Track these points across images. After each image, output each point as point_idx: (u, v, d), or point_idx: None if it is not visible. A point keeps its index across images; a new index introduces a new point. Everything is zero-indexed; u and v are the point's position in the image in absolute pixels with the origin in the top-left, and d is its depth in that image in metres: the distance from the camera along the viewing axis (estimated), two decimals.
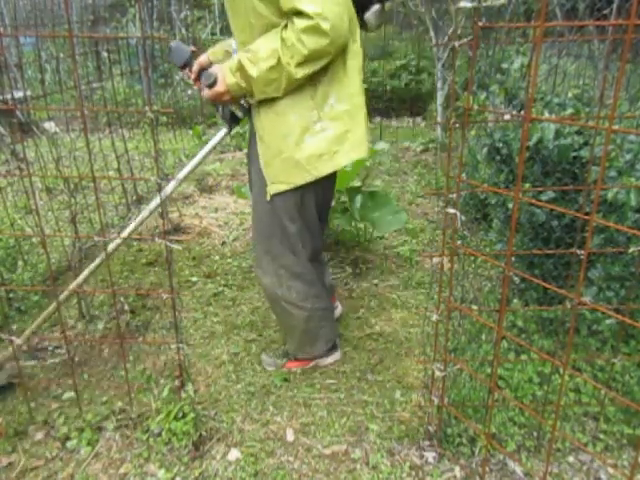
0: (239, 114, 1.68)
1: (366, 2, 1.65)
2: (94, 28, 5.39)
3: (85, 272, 1.86)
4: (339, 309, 2.30)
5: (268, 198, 1.67)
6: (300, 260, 1.79)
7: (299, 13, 1.37)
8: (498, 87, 2.17)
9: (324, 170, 1.60)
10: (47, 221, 3.06)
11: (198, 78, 1.63)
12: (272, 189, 1.65)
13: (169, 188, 1.83)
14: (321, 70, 1.49)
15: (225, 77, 1.52)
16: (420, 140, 4.78)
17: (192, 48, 1.66)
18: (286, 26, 1.43)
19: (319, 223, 1.83)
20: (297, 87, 1.51)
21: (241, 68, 1.49)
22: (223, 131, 1.77)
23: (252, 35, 1.51)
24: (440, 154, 4.34)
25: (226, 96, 1.56)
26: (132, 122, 4.30)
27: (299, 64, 1.43)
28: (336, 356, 2.05)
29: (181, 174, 1.84)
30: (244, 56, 1.48)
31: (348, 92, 1.56)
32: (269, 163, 1.63)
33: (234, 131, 1.71)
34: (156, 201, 1.79)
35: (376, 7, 1.65)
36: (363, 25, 1.69)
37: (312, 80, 1.51)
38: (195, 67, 1.64)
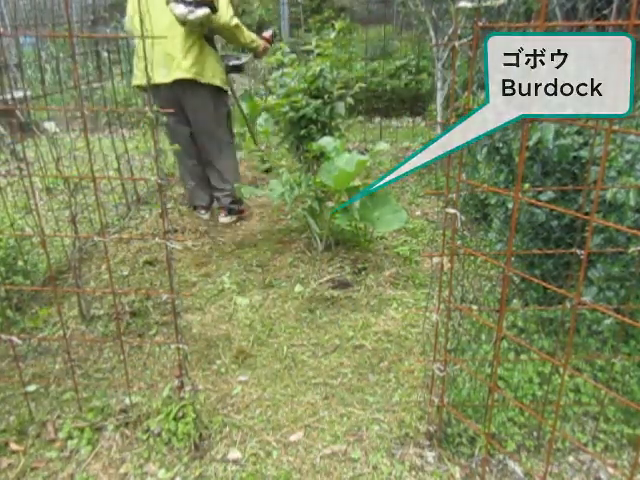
0: None
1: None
2: (94, 28, 5.39)
3: None
4: (221, 219, 3.34)
5: None
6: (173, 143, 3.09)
7: None
8: None
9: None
10: (47, 221, 3.06)
11: None
12: None
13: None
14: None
15: None
16: (420, 140, 4.78)
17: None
18: None
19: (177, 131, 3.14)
20: None
21: None
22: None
23: None
24: None
25: None
26: (132, 122, 4.29)
27: None
28: (200, 214, 3.35)
29: None
30: None
31: (155, 47, 2.49)
32: None
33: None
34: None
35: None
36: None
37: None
38: None
